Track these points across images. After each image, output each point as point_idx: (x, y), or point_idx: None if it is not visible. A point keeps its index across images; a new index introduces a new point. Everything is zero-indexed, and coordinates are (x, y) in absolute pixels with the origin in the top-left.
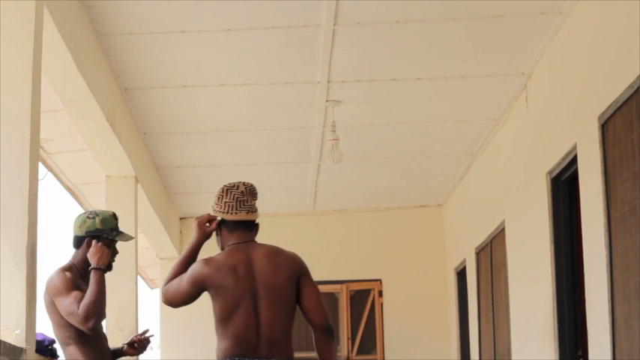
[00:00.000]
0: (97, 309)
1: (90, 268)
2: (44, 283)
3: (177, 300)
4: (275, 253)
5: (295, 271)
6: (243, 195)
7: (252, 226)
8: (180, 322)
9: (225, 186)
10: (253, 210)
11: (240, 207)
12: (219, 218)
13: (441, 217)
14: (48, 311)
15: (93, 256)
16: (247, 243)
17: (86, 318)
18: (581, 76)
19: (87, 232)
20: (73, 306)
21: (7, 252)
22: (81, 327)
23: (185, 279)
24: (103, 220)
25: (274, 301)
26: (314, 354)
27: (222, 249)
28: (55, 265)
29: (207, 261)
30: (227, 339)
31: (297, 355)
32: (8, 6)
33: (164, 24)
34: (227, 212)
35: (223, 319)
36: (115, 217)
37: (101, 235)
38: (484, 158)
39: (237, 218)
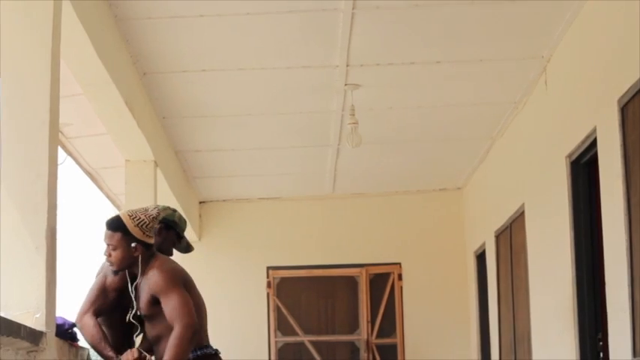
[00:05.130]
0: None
1: None
2: (63, 267)
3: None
4: None
5: None
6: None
7: None
8: None
9: (159, 212)
10: None
11: (166, 232)
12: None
13: (461, 201)
14: None
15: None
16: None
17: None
18: (600, 59)
19: (164, 219)
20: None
21: (26, 236)
22: (76, 318)
23: (182, 290)
24: (180, 218)
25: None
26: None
27: (142, 268)
28: (75, 249)
29: (171, 266)
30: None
31: (323, 338)
32: None
33: (183, 8)
34: (152, 236)
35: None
36: (187, 223)
37: (174, 229)
38: (503, 142)
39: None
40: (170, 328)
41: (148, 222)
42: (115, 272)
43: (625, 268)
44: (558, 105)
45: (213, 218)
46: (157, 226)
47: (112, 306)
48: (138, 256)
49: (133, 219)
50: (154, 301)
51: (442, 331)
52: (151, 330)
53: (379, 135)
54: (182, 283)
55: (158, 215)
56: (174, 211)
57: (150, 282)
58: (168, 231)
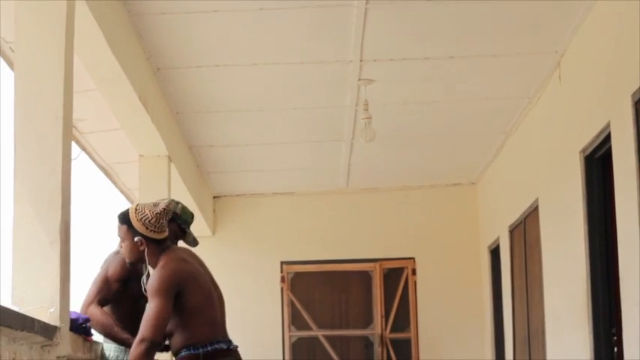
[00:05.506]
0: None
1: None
2: (77, 262)
3: (165, 323)
4: (194, 252)
5: None
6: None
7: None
8: None
9: (164, 208)
10: None
11: (167, 224)
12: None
13: (474, 196)
14: None
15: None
16: (174, 246)
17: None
18: (614, 54)
19: None
20: (93, 295)
21: (40, 231)
22: (81, 309)
23: (162, 300)
24: (183, 210)
25: (219, 289)
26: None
27: (149, 262)
28: (89, 243)
29: (173, 263)
30: (204, 325)
31: (337, 332)
32: None
33: (197, 4)
34: (160, 232)
35: (200, 306)
36: (193, 216)
37: (176, 221)
38: (517, 136)
39: (165, 235)
40: (181, 322)
41: (150, 217)
42: (130, 264)
43: (639, 263)
44: (572, 100)
45: (228, 213)
46: (163, 222)
47: (116, 296)
48: (144, 250)
49: (137, 213)
50: None
51: (456, 325)
52: None
53: (393, 130)
54: (172, 290)
55: (163, 212)
56: (178, 203)
57: (150, 279)
58: (170, 223)
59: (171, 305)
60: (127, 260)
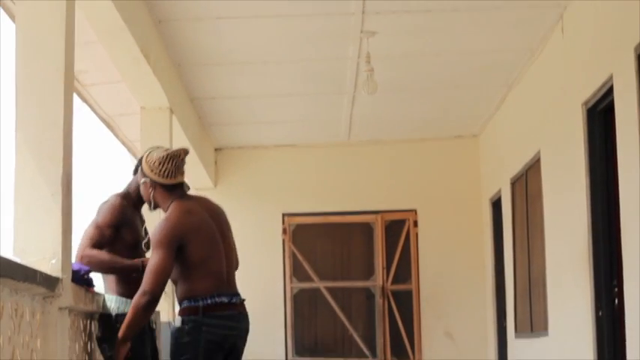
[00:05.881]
0: (92, 263)
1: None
2: (79, 213)
3: (166, 276)
4: (210, 201)
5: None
6: (183, 161)
7: (182, 184)
8: None
9: (168, 154)
10: (184, 172)
11: (178, 172)
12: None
13: (476, 148)
14: None
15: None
16: (187, 196)
17: (81, 258)
18: (617, 6)
19: None
20: (87, 240)
21: (42, 183)
22: (77, 257)
23: (164, 252)
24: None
25: (230, 241)
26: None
27: (156, 204)
28: (90, 195)
29: (176, 215)
30: (206, 278)
31: (338, 284)
32: None
33: None
34: (166, 177)
35: (203, 259)
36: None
37: None
38: (520, 89)
39: (174, 182)
40: (183, 274)
41: (154, 160)
42: (150, 209)
43: None
44: (575, 52)
45: (229, 165)
46: (167, 166)
47: (109, 242)
48: (152, 194)
49: (147, 156)
50: None
51: (457, 277)
52: None
53: (395, 82)
54: (174, 242)
55: (167, 157)
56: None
57: (154, 229)
58: None
59: (173, 257)
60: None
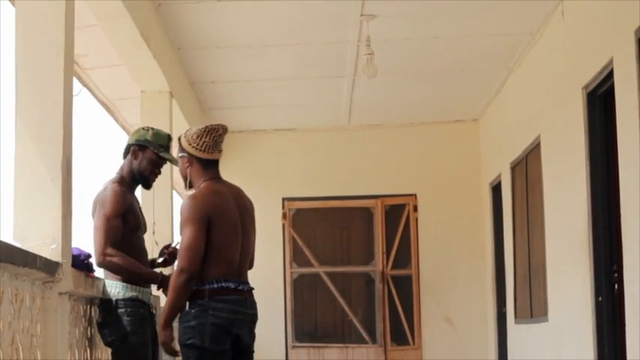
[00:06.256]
0: (113, 268)
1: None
2: (79, 198)
3: (200, 251)
4: (242, 192)
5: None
6: (221, 137)
7: (218, 163)
8: None
9: (207, 127)
10: (221, 149)
11: (216, 147)
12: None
13: (477, 132)
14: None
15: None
16: (220, 179)
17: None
18: None
19: (136, 141)
20: (102, 236)
21: (42, 167)
22: (94, 256)
23: (194, 228)
24: (156, 134)
25: (250, 237)
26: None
27: (191, 182)
28: (90, 179)
29: (204, 194)
30: (217, 265)
31: (338, 269)
32: None
33: None
34: (204, 151)
35: (220, 244)
36: (169, 137)
37: (148, 147)
38: (520, 73)
39: (212, 157)
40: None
41: (192, 133)
42: (185, 186)
43: None
44: (575, 36)
45: (229, 150)
46: (205, 140)
47: (121, 232)
48: (188, 169)
49: (187, 131)
50: None
51: (457, 262)
52: None
53: (395, 66)
54: (205, 218)
55: (205, 129)
56: (148, 130)
57: (180, 207)
58: (144, 151)
59: (204, 233)
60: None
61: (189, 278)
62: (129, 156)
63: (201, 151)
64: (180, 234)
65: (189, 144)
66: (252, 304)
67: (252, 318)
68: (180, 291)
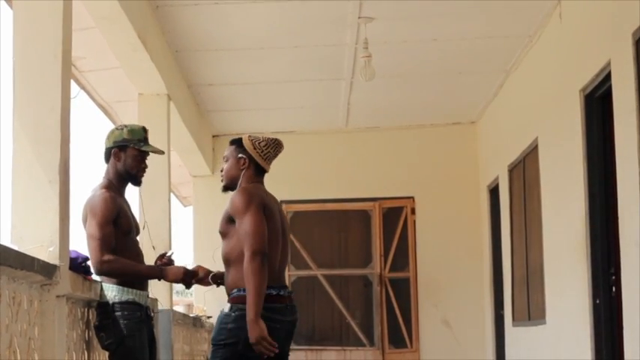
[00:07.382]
0: (113, 273)
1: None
2: (76, 200)
3: (265, 233)
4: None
5: None
6: (278, 154)
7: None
8: (213, 240)
9: (276, 140)
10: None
11: (272, 161)
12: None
13: (474, 135)
14: (84, 227)
15: None
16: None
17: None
18: None
19: (114, 143)
20: (97, 244)
21: (39, 169)
22: (92, 265)
23: (256, 212)
24: (131, 131)
25: (288, 241)
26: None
27: (230, 185)
28: (88, 182)
29: (258, 192)
30: None
31: (336, 272)
32: None
33: None
34: (265, 159)
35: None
36: (144, 129)
37: (128, 146)
38: (517, 75)
39: (267, 167)
40: (237, 250)
41: (261, 140)
42: (223, 189)
43: (638, 202)
44: (573, 38)
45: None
46: (269, 151)
47: (115, 237)
48: (243, 170)
49: (250, 135)
50: (229, 220)
51: (455, 264)
52: (223, 247)
53: (393, 68)
54: (260, 206)
55: (272, 141)
56: (122, 129)
57: (231, 200)
58: (126, 150)
59: (264, 217)
60: (224, 183)
61: (262, 258)
62: (111, 159)
63: (263, 158)
64: (239, 223)
65: (255, 148)
66: (292, 310)
67: (292, 323)
68: (258, 274)
